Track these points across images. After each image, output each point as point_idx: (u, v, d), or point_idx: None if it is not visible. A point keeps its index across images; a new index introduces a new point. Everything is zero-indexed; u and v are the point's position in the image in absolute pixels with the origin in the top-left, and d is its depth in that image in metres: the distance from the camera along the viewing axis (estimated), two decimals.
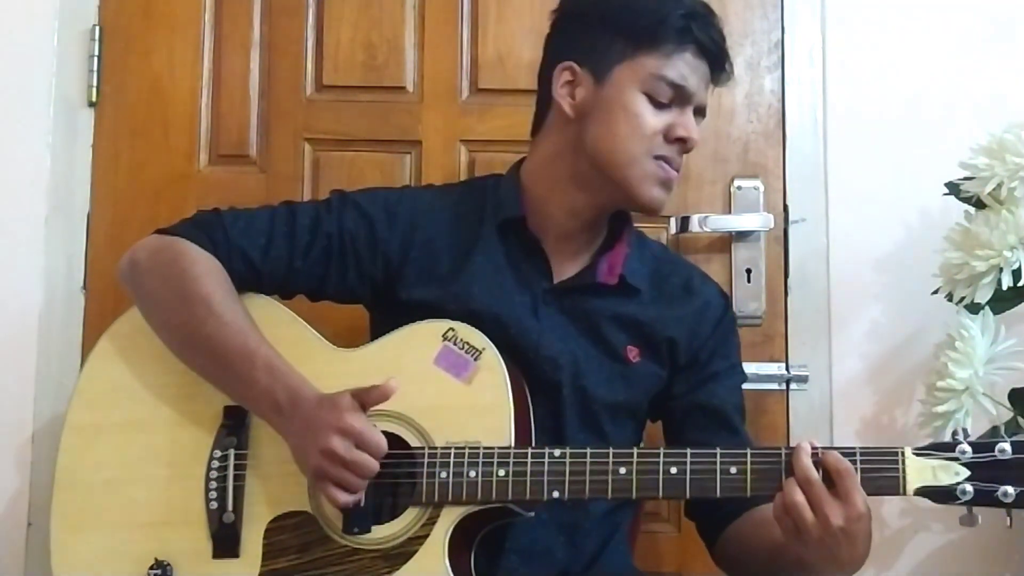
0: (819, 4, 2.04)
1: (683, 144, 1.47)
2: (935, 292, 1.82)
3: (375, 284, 1.53)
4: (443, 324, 1.43)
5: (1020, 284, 1.71)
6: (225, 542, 1.41)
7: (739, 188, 2.00)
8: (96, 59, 2.00)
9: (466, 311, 1.46)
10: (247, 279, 1.50)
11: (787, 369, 1.97)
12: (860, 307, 1.99)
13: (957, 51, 2.02)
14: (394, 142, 2.01)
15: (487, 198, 1.56)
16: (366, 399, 1.34)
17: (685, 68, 1.47)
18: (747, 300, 1.98)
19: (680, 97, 1.47)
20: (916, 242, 1.96)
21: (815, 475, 1.26)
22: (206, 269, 1.46)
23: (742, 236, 1.98)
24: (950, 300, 1.78)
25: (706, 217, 1.97)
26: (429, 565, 1.35)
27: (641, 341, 1.53)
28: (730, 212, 1.99)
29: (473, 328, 1.42)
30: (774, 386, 1.97)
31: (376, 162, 2.00)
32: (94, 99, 2.00)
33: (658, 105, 1.47)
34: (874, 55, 2.03)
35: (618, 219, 1.59)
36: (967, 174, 1.78)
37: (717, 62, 1.50)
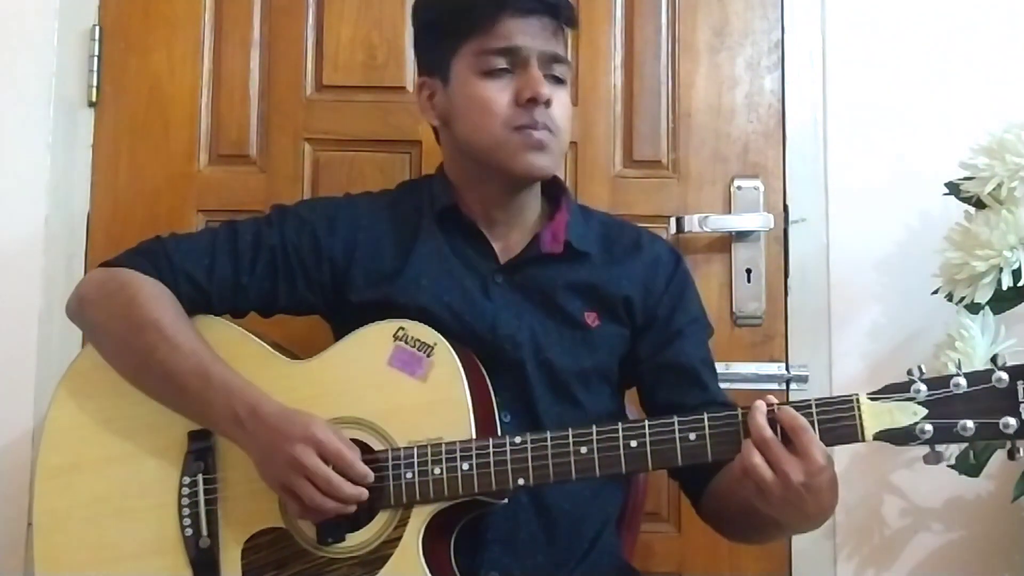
0: (819, 4, 2.04)
1: (535, 103, 1.45)
2: (935, 292, 1.82)
3: (325, 291, 1.53)
4: (393, 324, 1.43)
5: (1020, 284, 1.71)
6: (204, 567, 1.41)
7: (739, 188, 2.00)
8: (96, 59, 2.00)
9: (417, 305, 1.47)
10: (196, 301, 1.50)
11: (787, 369, 1.97)
12: (860, 307, 1.99)
13: (957, 51, 2.02)
14: (394, 142, 2.01)
15: (423, 194, 1.58)
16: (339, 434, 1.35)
17: (506, 30, 1.46)
18: (747, 300, 1.98)
19: (516, 60, 1.47)
20: (916, 242, 1.96)
21: (770, 434, 1.26)
22: (152, 294, 1.46)
23: (742, 236, 1.98)
24: (950, 300, 1.78)
25: (706, 217, 1.97)
26: (405, 566, 1.35)
27: (598, 304, 1.53)
28: (730, 212, 1.99)
29: (423, 325, 1.43)
30: (774, 386, 1.96)
31: (376, 162, 2.00)
32: (94, 99, 2.00)
33: (497, 76, 1.47)
34: (874, 55, 2.03)
35: (553, 189, 1.60)
36: (967, 174, 1.78)
37: (549, 11, 1.49)
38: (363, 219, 1.56)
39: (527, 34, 1.47)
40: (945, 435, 1.24)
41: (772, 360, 1.97)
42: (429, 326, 1.43)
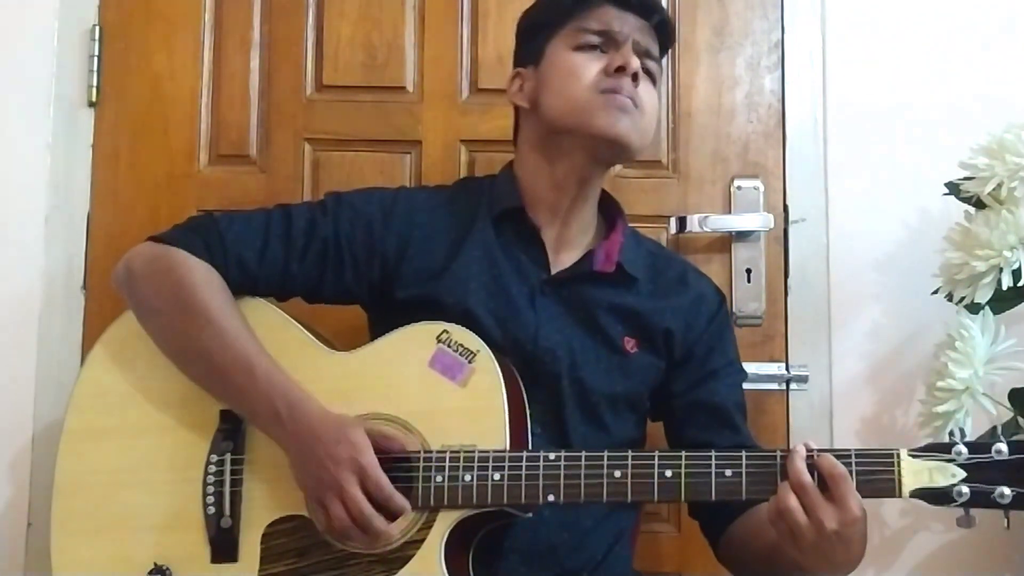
0: (819, 4, 2.04)
1: (623, 72, 1.48)
2: (935, 292, 1.82)
3: (372, 284, 1.53)
4: (437, 326, 1.43)
5: (1020, 284, 1.71)
6: (223, 547, 1.41)
7: (739, 188, 2.00)
8: (96, 59, 2.00)
9: (463, 306, 1.47)
10: (243, 283, 1.50)
11: (787, 369, 1.97)
12: (860, 307, 1.99)
13: (957, 51, 2.02)
14: (394, 142, 2.00)
15: (482, 194, 1.58)
16: (380, 441, 1.36)
17: (606, 17, 1.52)
18: (747, 300, 1.98)
19: (610, 41, 1.51)
20: (916, 242, 1.96)
21: (809, 479, 1.26)
22: (203, 279, 1.46)
23: (742, 236, 1.98)
24: (950, 300, 1.78)
25: (706, 217, 1.96)
26: (425, 569, 1.35)
27: (638, 332, 1.53)
28: (730, 212, 1.99)
29: (467, 330, 1.42)
30: (774, 386, 1.97)
31: (376, 162, 2.00)
32: (94, 99, 2.00)
33: (590, 51, 1.51)
34: (874, 55, 2.03)
35: (610, 210, 1.61)
36: (967, 174, 1.78)
37: (644, 11, 1.54)
38: (419, 215, 1.56)
39: (624, 22, 1.52)
40: (981, 500, 1.25)
41: (772, 360, 1.97)
42: (472, 329, 1.43)
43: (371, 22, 2.03)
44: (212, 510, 1.42)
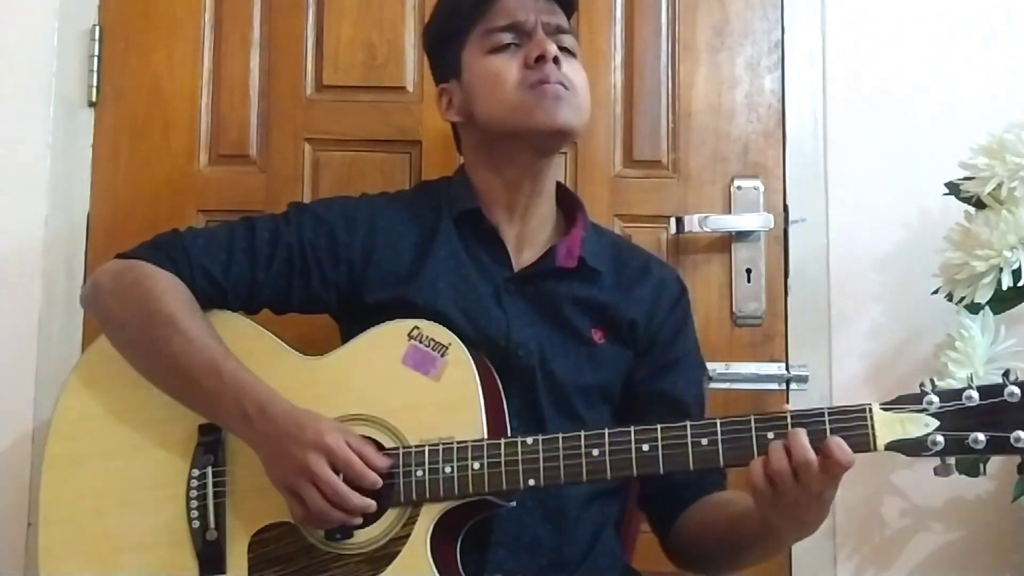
0: (819, 4, 2.04)
1: (544, 60, 1.48)
2: (935, 292, 1.82)
3: (340, 290, 1.54)
4: (408, 323, 1.43)
5: (1020, 284, 1.71)
6: (210, 560, 1.41)
7: (739, 188, 2.00)
8: (96, 59, 2.00)
9: (432, 306, 1.47)
10: (212, 296, 1.50)
11: (787, 369, 1.97)
12: (860, 307, 1.99)
13: (957, 50, 2.03)
14: (394, 142, 2.01)
15: (441, 197, 1.59)
16: (351, 439, 1.36)
17: (506, 8, 1.52)
18: (747, 300, 1.98)
19: (520, 33, 1.51)
20: (916, 242, 1.96)
21: (814, 457, 1.24)
22: (168, 288, 1.46)
23: (742, 236, 1.98)
24: (950, 300, 1.78)
25: (706, 217, 1.96)
26: (413, 564, 1.35)
27: (605, 323, 1.54)
28: (730, 212, 1.99)
29: (438, 325, 1.43)
30: (774, 386, 1.97)
31: (376, 162, 2.00)
32: (94, 99, 2.00)
33: (504, 50, 1.51)
34: (874, 55, 2.03)
35: (569, 204, 1.61)
36: (967, 174, 1.78)
37: None
38: (381, 220, 1.56)
39: (527, 9, 1.51)
40: (956, 448, 1.24)
41: (772, 360, 1.97)
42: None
43: (371, 22, 2.03)
44: (197, 524, 1.42)
